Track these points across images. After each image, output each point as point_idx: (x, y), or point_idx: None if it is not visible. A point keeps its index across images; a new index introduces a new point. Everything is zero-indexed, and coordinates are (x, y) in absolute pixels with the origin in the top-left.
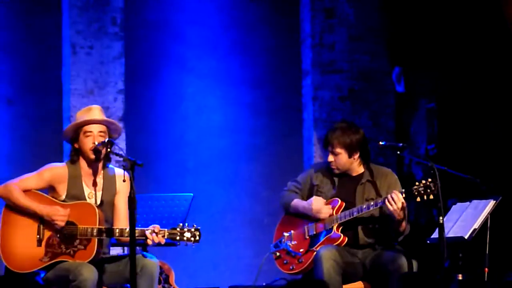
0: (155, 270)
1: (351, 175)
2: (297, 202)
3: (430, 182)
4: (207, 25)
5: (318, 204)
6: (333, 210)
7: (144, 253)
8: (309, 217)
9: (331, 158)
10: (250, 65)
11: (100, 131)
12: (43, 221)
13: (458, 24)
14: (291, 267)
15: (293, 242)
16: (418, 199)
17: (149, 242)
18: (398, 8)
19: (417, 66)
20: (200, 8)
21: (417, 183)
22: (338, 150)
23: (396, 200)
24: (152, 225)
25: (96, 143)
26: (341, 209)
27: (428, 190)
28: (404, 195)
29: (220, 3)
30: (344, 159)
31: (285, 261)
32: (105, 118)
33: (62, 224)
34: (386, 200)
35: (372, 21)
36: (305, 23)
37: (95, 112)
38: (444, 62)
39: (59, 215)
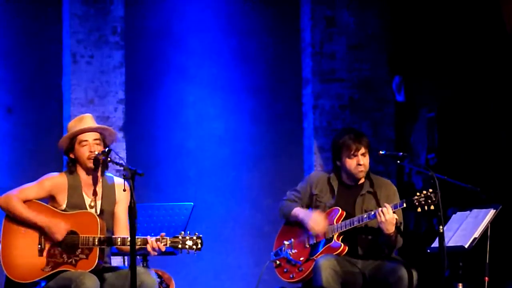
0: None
1: (352, 185)
2: (298, 210)
3: (431, 192)
4: (208, 33)
5: (317, 219)
6: (333, 220)
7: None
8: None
9: (362, 161)
10: (250, 73)
11: (95, 139)
12: (44, 231)
13: (458, 33)
14: (291, 276)
15: (293, 251)
16: (419, 209)
17: (149, 249)
18: (398, 17)
19: (417, 75)
20: (200, 17)
21: (418, 194)
22: (366, 151)
23: (385, 212)
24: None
25: (96, 152)
26: (342, 219)
27: (429, 201)
28: (405, 205)
29: (221, 11)
30: (368, 160)
31: (285, 270)
32: (98, 125)
33: (60, 238)
34: (377, 213)
35: (372, 30)
36: (305, 32)
37: (88, 120)
38: (444, 71)
39: (58, 228)
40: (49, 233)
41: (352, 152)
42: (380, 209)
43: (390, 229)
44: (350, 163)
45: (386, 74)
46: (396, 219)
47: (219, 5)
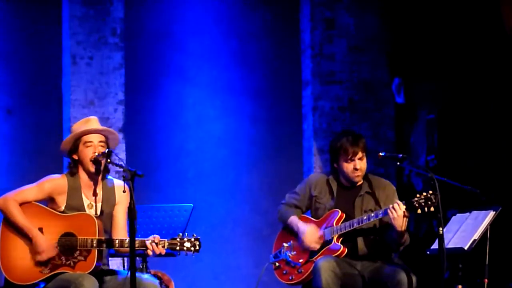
0: None
1: (350, 186)
2: (293, 220)
3: (431, 194)
4: (207, 35)
5: (310, 235)
6: (333, 222)
7: (144, 276)
8: None
9: (358, 165)
10: (250, 75)
11: (100, 141)
12: (43, 233)
13: (458, 35)
14: (290, 278)
15: (292, 253)
16: (419, 211)
17: (149, 252)
18: (398, 19)
19: (417, 77)
20: (200, 19)
21: (418, 195)
22: (363, 154)
23: (397, 209)
24: (152, 236)
25: (96, 153)
26: (341, 220)
27: (429, 202)
28: (405, 206)
29: (220, 13)
30: (365, 163)
31: (284, 272)
32: (104, 127)
33: (42, 260)
34: (388, 210)
35: (372, 32)
36: (305, 33)
37: (94, 122)
38: (444, 73)
39: (43, 253)
40: (36, 250)
41: (349, 157)
42: (391, 205)
43: (403, 225)
44: (347, 167)
45: (386, 75)
46: (405, 212)
47: (218, 7)
